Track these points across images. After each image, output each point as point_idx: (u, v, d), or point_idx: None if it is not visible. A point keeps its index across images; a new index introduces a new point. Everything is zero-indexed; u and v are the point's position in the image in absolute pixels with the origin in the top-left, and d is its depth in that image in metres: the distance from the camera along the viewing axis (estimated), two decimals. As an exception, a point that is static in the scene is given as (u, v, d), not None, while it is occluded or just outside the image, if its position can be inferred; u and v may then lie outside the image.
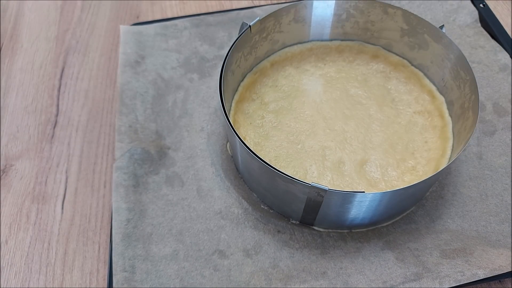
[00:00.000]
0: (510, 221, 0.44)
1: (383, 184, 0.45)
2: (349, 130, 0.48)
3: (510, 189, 0.46)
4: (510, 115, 0.50)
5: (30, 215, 0.46)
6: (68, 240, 0.45)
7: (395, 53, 0.53)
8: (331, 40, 0.55)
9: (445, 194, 0.46)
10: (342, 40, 0.55)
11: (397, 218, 0.44)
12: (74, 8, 0.64)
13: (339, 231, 0.44)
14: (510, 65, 0.54)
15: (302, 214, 0.42)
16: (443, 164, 0.45)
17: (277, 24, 0.50)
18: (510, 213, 0.44)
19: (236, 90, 0.51)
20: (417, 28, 0.49)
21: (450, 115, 0.49)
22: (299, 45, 0.55)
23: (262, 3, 0.64)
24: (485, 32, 0.57)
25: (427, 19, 0.48)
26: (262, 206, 0.45)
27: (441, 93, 0.50)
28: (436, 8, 0.61)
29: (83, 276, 0.43)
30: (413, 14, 0.48)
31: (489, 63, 0.55)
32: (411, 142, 0.47)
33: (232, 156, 0.48)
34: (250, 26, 0.47)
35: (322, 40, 0.55)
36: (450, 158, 0.45)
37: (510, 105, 0.51)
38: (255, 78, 0.52)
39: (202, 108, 0.52)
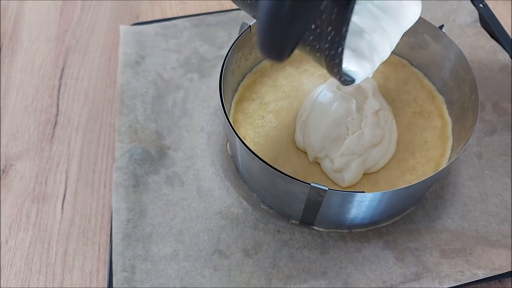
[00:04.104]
0: (510, 221, 0.44)
1: (382, 184, 0.45)
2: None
3: (510, 189, 0.46)
4: (510, 115, 0.50)
5: (30, 215, 0.46)
6: (68, 240, 0.45)
7: (395, 53, 0.53)
8: (331, 40, 0.55)
9: (445, 194, 0.46)
10: (342, 40, 0.55)
11: (397, 218, 0.44)
12: (74, 8, 0.64)
13: (339, 231, 0.44)
14: (510, 65, 0.54)
15: (302, 214, 0.42)
16: (443, 164, 0.45)
17: (277, 24, 0.50)
18: (510, 213, 0.44)
19: (236, 90, 0.51)
20: (417, 28, 0.49)
21: (450, 115, 0.49)
22: (299, 45, 0.55)
23: (262, 3, 0.64)
24: (485, 32, 0.57)
25: (427, 19, 0.48)
26: (262, 206, 0.45)
27: (441, 93, 0.50)
28: (436, 8, 0.61)
29: (83, 276, 0.43)
30: (413, 14, 0.48)
31: (489, 63, 0.55)
32: (411, 142, 0.47)
33: (232, 156, 0.48)
34: (250, 26, 0.47)
35: (322, 40, 0.55)
36: (450, 158, 0.45)
37: (510, 105, 0.51)
38: (255, 78, 0.52)
39: (202, 108, 0.52)
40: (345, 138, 0.44)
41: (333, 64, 0.28)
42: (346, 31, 0.26)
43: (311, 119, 0.46)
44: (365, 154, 0.44)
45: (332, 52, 0.27)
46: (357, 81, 0.33)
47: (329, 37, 0.27)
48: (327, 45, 0.27)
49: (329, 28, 0.26)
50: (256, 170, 0.41)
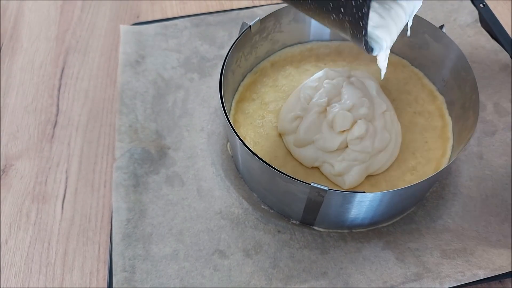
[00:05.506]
0: (510, 221, 0.44)
1: (383, 184, 0.45)
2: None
3: (510, 189, 0.46)
4: (510, 115, 0.50)
5: (30, 215, 0.46)
6: (68, 240, 0.45)
7: (395, 53, 0.53)
8: (331, 40, 0.55)
9: (446, 194, 0.46)
10: (342, 40, 0.55)
11: (398, 218, 0.44)
12: (74, 8, 0.64)
13: (339, 231, 0.43)
14: (510, 65, 0.54)
15: (302, 214, 0.42)
16: (444, 164, 0.45)
17: (277, 24, 0.50)
18: (510, 213, 0.44)
19: (236, 90, 0.51)
20: (417, 28, 0.49)
21: (451, 115, 0.49)
22: (299, 45, 0.55)
23: (262, 3, 0.64)
24: (485, 32, 0.57)
25: (427, 19, 0.48)
26: (262, 206, 0.45)
27: (441, 93, 0.50)
28: (437, 8, 0.60)
29: (83, 276, 0.43)
30: (413, 14, 0.48)
31: (490, 63, 0.55)
32: (411, 142, 0.47)
33: (232, 156, 0.48)
34: (250, 26, 0.47)
35: (322, 40, 0.55)
36: (450, 158, 0.45)
37: (511, 105, 0.51)
38: (255, 78, 0.52)
39: (202, 108, 0.52)
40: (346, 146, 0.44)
41: (359, 26, 0.30)
42: None
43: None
44: (370, 161, 0.44)
45: (358, 14, 0.29)
46: (383, 47, 0.34)
47: (355, 2, 0.29)
48: (354, 9, 0.29)
49: None
50: (256, 170, 0.41)
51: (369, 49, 0.33)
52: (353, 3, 0.29)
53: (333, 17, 0.32)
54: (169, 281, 0.41)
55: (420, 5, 0.36)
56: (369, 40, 0.33)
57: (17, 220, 0.46)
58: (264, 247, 0.42)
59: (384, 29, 0.34)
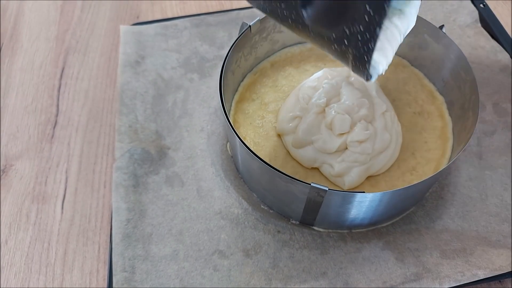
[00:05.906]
0: (510, 221, 0.44)
1: (383, 184, 0.45)
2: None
3: (510, 189, 0.46)
4: (510, 116, 0.50)
5: (30, 215, 0.46)
6: (68, 240, 0.45)
7: (395, 53, 0.53)
8: (331, 40, 0.55)
9: (445, 194, 0.46)
10: (342, 40, 0.55)
11: (397, 219, 0.44)
12: (74, 8, 0.64)
13: (339, 231, 0.44)
14: (510, 66, 0.54)
15: (302, 214, 0.42)
16: (443, 164, 0.45)
17: (277, 24, 0.50)
18: (510, 213, 0.44)
19: (236, 90, 0.51)
20: (417, 28, 0.49)
21: (450, 115, 0.49)
22: (299, 45, 0.55)
23: (262, 3, 0.64)
24: (485, 32, 0.57)
25: (427, 19, 0.48)
26: (262, 206, 0.45)
27: (441, 93, 0.50)
28: (436, 8, 0.61)
29: (83, 276, 0.43)
30: (413, 14, 0.48)
31: (489, 64, 0.55)
32: (411, 142, 0.47)
33: (232, 156, 0.48)
34: (250, 26, 0.47)
35: (322, 40, 0.55)
36: (450, 158, 0.45)
37: (510, 106, 0.51)
38: (255, 78, 0.52)
39: (202, 108, 0.52)
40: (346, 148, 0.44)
41: (363, 61, 0.30)
42: (380, 31, 0.28)
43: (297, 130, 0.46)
44: (370, 162, 0.44)
45: (364, 49, 0.29)
46: (380, 71, 0.34)
47: (361, 36, 0.29)
48: (359, 43, 0.29)
49: (361, 28, 0.28)
50: (256, 170, 0.41)
51: (369, 78, 0.33)
52: (359, 38, 0.29)
53: (335, 47, 0.31)
54: (169, 281, 0.41)
55: (413, 25, 0.35)
56: (370, 70, 0.33)
57: (17, 220, 0.46)
58: (264, 247, 0.42)
59: (381, 52, 0.33)
